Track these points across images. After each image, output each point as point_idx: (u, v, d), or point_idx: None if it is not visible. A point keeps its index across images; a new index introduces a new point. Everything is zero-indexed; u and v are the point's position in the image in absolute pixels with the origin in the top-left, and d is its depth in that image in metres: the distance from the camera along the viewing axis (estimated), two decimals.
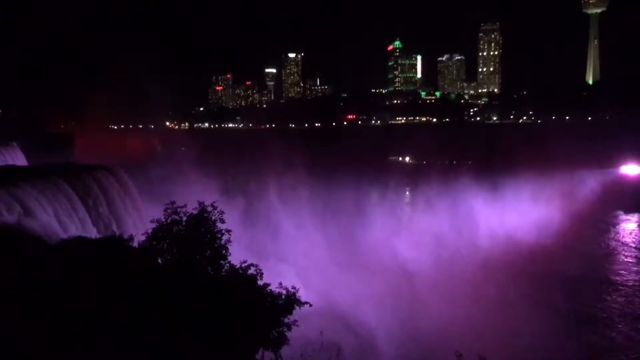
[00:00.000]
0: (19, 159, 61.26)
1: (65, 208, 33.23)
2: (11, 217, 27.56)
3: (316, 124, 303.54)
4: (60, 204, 32.82)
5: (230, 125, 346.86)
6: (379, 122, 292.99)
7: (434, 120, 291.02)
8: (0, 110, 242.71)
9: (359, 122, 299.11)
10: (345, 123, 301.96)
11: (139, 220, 39.69)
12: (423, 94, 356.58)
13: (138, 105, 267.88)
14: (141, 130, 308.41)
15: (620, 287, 55.82)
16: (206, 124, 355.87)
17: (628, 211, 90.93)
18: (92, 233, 33.28)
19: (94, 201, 36.92)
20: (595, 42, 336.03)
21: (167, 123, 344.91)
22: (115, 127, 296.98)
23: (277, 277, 21.69)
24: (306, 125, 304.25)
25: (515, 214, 76.84)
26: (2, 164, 52.91)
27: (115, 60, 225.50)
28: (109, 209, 37.80)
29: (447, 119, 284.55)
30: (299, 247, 62.21)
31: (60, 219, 31.76)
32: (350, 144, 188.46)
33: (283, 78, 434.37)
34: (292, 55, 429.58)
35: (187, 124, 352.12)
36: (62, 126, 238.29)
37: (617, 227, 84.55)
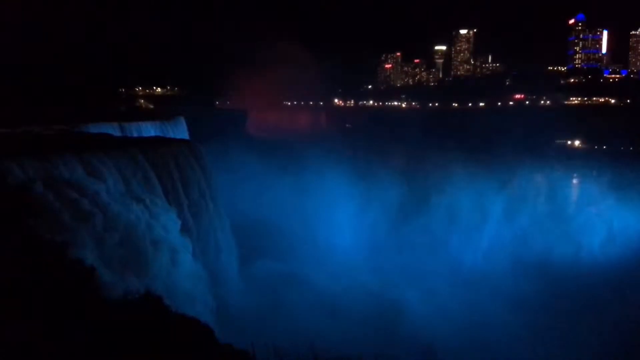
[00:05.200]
0: (180, 133, 64.96)
1: (139, 180, 35.63)
2: (74, 177, 31.22)
3: (480, 104, 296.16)
4: (133, 175, 35.42)
5: (395, 103, 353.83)
6: (548, 102, 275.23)
7: (612, 101, 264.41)
8: (176, 88, 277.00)
9: (527, 102, 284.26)
10: (511, 103, 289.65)
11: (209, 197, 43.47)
12: (607, 72, 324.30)
13: (310, 83, 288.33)
14: (311, 107, 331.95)
15: None
16: (370, 102, 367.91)
17: None
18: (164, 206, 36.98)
19: (169, 176, 38.33)
20: None
21: (336, 100, 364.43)
22: (289, 104, 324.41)
23: None
24: (470, 105, 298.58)
25: None
26: (162, 135, 58.37)
27: (287, 39, 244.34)
28: (181, 185, 40.08)
29: (628, 100, 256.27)
30: None
31: (130, 188, 34.43)
32: (514, 126, 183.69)
33: (453, 55, 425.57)
34: (463, 31, 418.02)
35: (352, 102, 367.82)
36: (230, 102, 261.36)
37: None
